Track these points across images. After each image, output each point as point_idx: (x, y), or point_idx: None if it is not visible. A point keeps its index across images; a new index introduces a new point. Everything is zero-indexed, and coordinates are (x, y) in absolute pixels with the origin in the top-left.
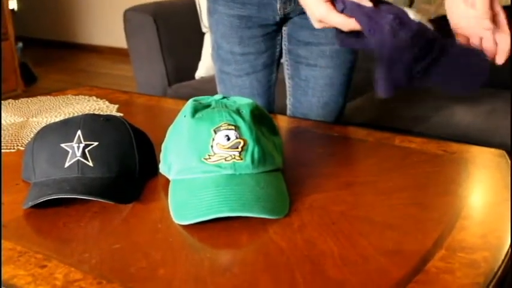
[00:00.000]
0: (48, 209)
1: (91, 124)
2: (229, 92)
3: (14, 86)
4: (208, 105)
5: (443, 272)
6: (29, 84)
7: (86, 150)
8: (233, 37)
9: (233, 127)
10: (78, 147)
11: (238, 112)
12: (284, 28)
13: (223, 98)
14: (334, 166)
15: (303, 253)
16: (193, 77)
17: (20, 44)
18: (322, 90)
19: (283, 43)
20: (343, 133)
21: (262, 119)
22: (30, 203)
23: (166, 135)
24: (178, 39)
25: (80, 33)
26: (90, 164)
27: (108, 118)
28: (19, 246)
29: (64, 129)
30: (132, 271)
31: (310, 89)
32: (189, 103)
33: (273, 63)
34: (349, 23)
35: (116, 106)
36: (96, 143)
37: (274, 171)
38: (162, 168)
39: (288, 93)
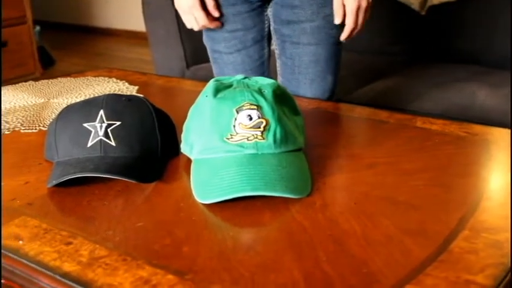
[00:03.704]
0: (72, 187)
1: (113, 104)
2: (224, 70)
3: (32, 69)
4: (229, 85)
5: (467, 252)
6: (47, 68)
7: (109, 130)
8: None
9: (255, 107)
10: (101, 126)
11: (260, 92)
12: (269, 9)
13: (245, 78)
14: (355, 147)
15: (325, 232)
16: None
17: (38, 28)
18: (307, 67)
19: (270, 23)
20: (364, 114)
21: (284, 99)
22: (54, 182)
23: (188, 115)
24: None
25: (97, 16)
26: (113, 143)
27: (130, 98)
28: (44, 224)
29: (86, 109)
30: (156, 248)
31: (296, 66)
32: (211, 83)
33: (263, 39)
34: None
35: (136, 87)
36: (118, 123)
37: (296, 151)
38: (184, 148)
39: (278, 72)
